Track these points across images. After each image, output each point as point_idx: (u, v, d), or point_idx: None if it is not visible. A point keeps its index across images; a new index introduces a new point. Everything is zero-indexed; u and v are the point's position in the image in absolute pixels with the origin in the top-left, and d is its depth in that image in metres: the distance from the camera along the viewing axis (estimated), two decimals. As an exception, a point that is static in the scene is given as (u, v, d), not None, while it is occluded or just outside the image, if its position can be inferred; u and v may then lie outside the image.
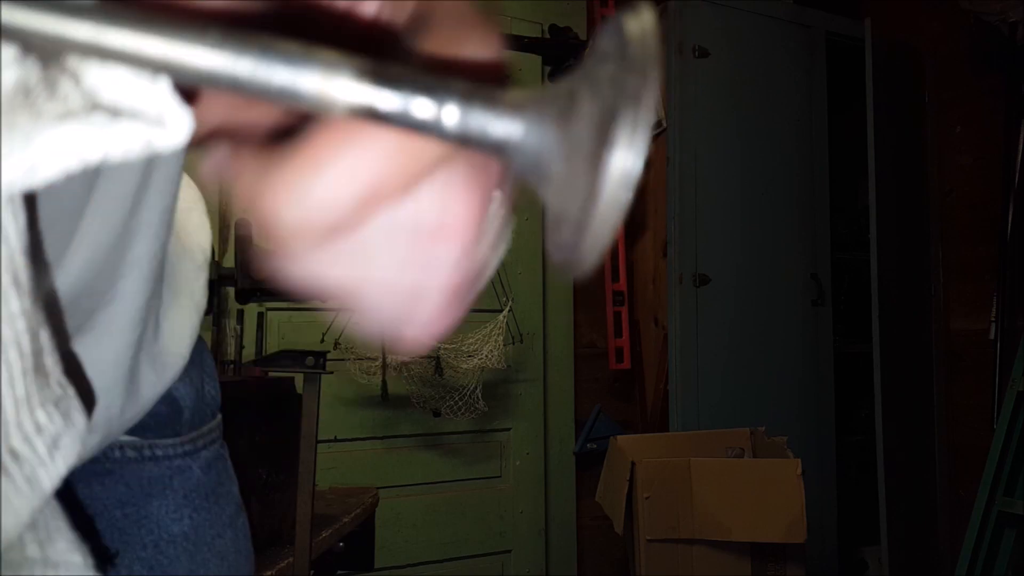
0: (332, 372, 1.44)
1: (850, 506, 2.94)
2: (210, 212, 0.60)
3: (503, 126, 0.17)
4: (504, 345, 2.25)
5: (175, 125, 0.17)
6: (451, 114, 0.17)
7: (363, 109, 0.17)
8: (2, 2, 0.15)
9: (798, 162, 2.95)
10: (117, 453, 0.43)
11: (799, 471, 1.86)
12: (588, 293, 2.84)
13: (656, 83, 0.16)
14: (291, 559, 1.37)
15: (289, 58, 0.16)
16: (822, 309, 2.94)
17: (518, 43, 2.61)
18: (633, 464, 1.95)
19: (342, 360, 2.14)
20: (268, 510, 1.45)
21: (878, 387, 2.68)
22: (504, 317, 2.27)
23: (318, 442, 1.52)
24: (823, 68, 3.02)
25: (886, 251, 2.76)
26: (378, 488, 2.17)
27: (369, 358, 2.18)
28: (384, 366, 2.17)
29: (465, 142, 0.18)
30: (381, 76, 0.17)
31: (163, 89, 0.17)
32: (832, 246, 3.00)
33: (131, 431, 0.44)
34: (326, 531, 1.60)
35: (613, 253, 2.82)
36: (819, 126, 3.00)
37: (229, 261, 1.76)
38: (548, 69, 2.73)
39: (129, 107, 0.17)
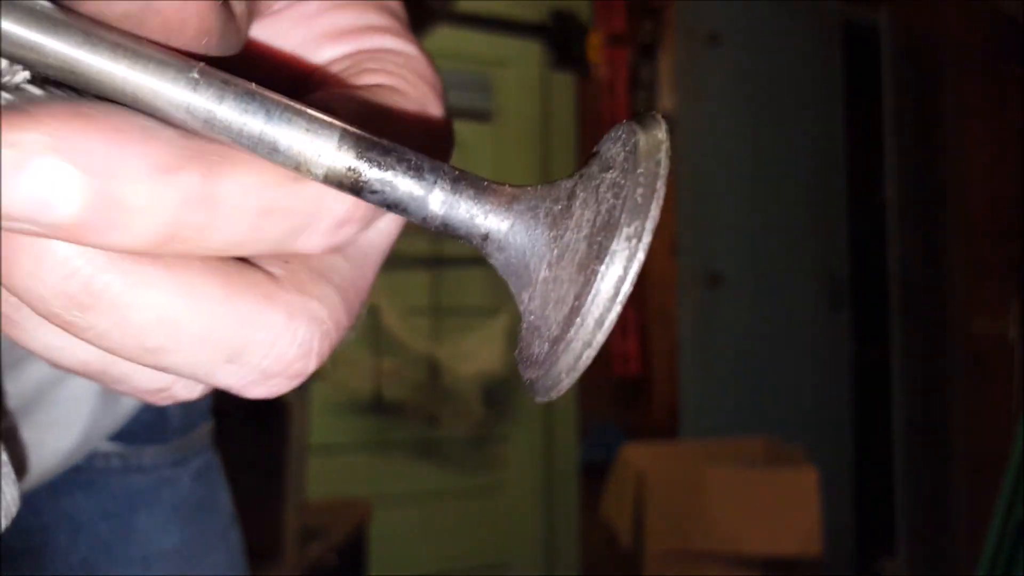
0: (322, 377, 1.44)
1: (868, 515, 2.94)
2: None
3: (491, 218, 0.17)
4: (505, 348, 2.24)
5: None
6: (438, 197, 0.17)
7: (343, 177, 0.16)
8: None
9: (813, 155, 2.94)
10: (101, 462, 0.42)
11: (816, 482, 1.86)
12: (592, 293, 2.83)
13: (662, 200, 0.16)
14: (280, 573, 1.36)
15: (270, 108, 0.16)
16: (840, 310, 2.94)
17: (518, 28, 2.60)
18: (642, 474, 1.95)
19: (333, 364, 2.13)
20: (254, 523, 1.44)
21: (897, 393, 2.67)
22: (504, 317, 2.26)
23: (306, 451, 1.51)
24: (839, 58, 3.02)
25: (908, 249, 2.76)
26: (370, 499, 2.16)
27: (361, 362, 2.17)
28: (378, 370, 2.16)
29: (447, 230, 0.17)
30: (369, 145, 0.16)
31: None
32: (855, 244, 3.00)
33: (115, 437, 0.43)
34: (316, 544, 1.60)
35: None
36: (835, 118, 3.00)
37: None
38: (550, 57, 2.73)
39: None
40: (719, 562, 1.93)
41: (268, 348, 0.17)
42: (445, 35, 2.27)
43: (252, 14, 0.20)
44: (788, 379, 2.80)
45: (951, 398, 2.94)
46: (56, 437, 0.36)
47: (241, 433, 1.38)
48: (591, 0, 2.84)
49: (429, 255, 2.47)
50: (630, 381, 2.89)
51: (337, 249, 0.19)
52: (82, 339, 0.16)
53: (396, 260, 2.39)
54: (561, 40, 2.69)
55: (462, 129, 2.46)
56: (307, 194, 0.17)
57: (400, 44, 0.23)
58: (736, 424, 2.59)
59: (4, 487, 0.25)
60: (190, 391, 0.20)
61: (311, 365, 0.18)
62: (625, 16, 2.83)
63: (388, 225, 0.22)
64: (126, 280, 0.16)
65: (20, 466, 0.34)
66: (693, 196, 2.69)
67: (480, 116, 2.52)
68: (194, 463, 0.47)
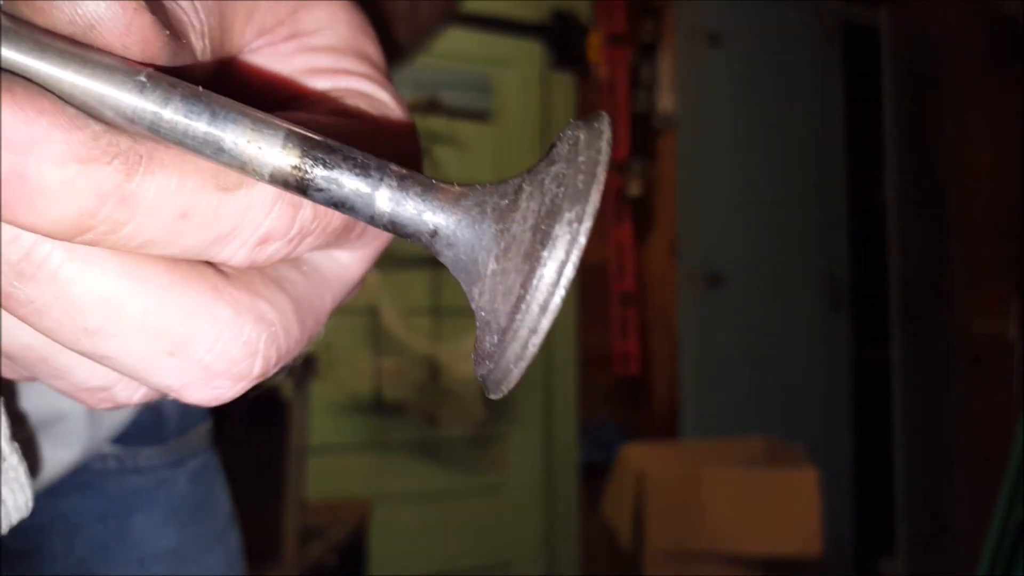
0: (322, 377, 1.44)
1: (868, 515, 2.94)
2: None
3: (439, 214, 0.17)
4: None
5: None
6: (384, 195, 0.17)
7: (289, 175, 0.16)
8: None
9: (814, 155, 2.94)
10: (98, 463, 0.42)
11: (816, 482, 1.85)
12: (594, 294, 2.83)
13: (602, 185, 0.16)
14: (280, 573, 1.36)
15: (216, 109, 0.16)
16: (840, 310, 2.94)
17: (518, 28, 2.60)
18: (641, 474, 1.94)
19: (333, 364, 2.13)
20: (254, 523, 1.44)
21: (897, 393, 2.67)
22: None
23: (306, 451, 1.51)
24: (839, 58, 3.02)
25: (908, 249, 2.76)
26: (370, 499, 2.16)
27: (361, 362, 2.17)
28: (378, 370, 2.16)
29: (395, 227, 0.17)
30: (313, 144, 0.16)
31: None
32: (855, 244, 3.00)
33: (112, 439, 0.43)
34: (316, 544, 1.60)
35: (620, 251, 2.81)
36: (835, 118, 3.00)
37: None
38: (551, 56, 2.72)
39: None
40: (719, 562, 1.93)
41: (212, 343, 0.17)
42: (445, 35, 2.27)
43: (220, 54, 0.20)
44: (788, 379, 2.79)
45: (951, 398, 2.93)
46: (56, 446, 0.36)
47: (241, 433, 1.38)
48: (591, 0, 2.84)
49: (429, 255, 2.47)
50: (630, 381, 2.89)
51: (267, 264, 0.18)
52: (20, 316, 0.16)
53: (396, 260, 2.39)
54: (561, 40, 2.69)
55: (462, 129, 2.46)
56: (230, 204, 0.16)
57: (375, 90, 0.23)
58: (736, 424, 2.58)
59: (5, 493, 0.25)
60: (130, 393, 0.20)
61: (256, 367, 0.18)
62: (625, 16, 2.83)
63: (351, 260, 0.21)
64: (68, 253, 0.15)
65: (33, 472, 0.33)
66: (693, 196, 2.69)
67: (480, 116, 2.52)
68: (191, 464, 0.46)
